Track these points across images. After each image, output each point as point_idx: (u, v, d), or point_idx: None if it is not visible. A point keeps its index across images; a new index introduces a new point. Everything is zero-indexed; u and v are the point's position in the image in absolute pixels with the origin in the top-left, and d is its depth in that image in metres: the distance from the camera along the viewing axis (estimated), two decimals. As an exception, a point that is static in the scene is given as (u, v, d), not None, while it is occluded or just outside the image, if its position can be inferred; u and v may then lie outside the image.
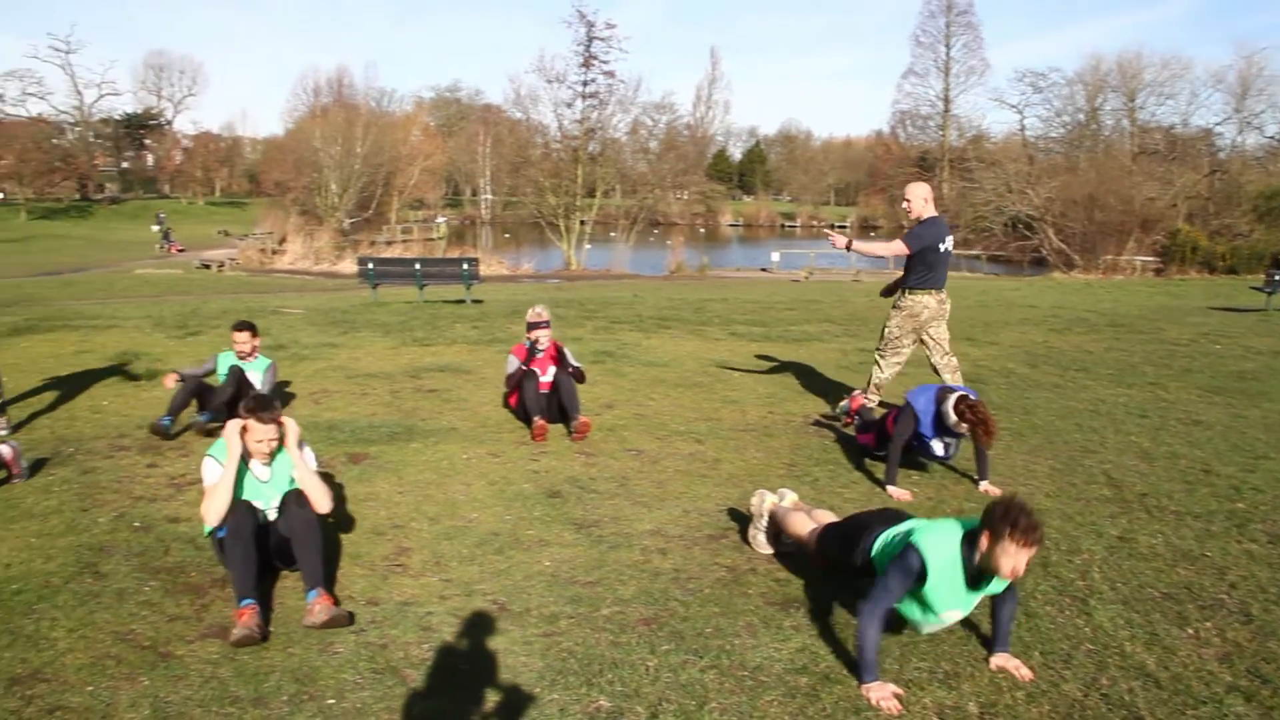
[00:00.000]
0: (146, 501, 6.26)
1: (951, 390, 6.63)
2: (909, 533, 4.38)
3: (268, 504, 5.17)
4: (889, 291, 8.99)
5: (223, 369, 8.25)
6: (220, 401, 7.87)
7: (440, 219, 73.61)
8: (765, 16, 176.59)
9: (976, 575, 4.15)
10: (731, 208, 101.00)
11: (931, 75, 73.75)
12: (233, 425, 5.16)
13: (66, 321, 14.63)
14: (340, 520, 5.95)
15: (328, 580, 5.01)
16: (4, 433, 7.72)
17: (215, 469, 5.08)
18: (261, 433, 5.08)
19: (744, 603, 4.91)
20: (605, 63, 50.51)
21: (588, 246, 49.98)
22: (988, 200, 52.58)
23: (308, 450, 5.38)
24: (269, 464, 5.21)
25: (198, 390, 8.03)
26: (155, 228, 55.32)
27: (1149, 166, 52.32)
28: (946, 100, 73.21)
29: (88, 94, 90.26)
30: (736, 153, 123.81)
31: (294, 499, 5.10)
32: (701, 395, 9.68)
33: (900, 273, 8.70)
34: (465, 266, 21.26)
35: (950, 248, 8.48)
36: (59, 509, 6.09)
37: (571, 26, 50.48)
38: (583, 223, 50.35)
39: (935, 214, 8.44)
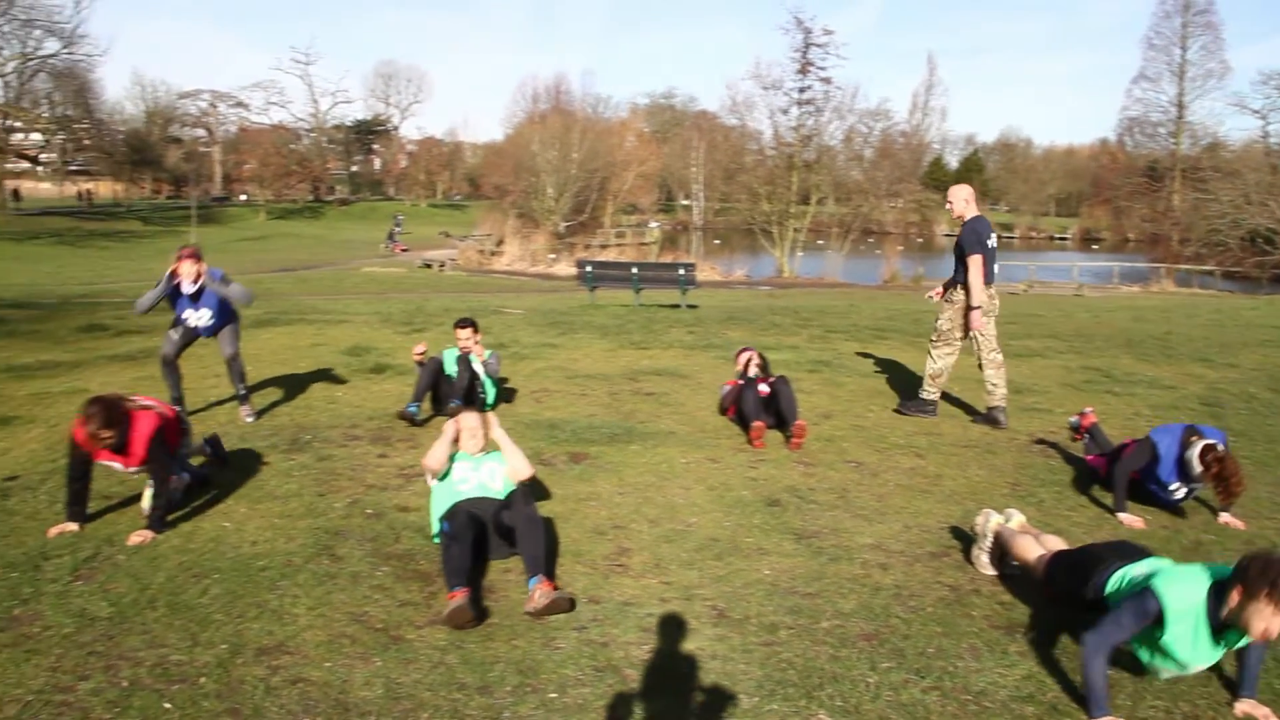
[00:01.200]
0: (378, 490, 6.53)
1: (1199, 434, 6.26)
2: (1150, 575, 4.11)
3: (482, 488, 5.66)
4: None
5: (449, 365, 8.56)
6: (460, 389, 8.30)
7: (653, 224, 74.35)
8: (984, 20, 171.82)
9: (1221, 628, 3.87)
10: (946, 217, 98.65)
11: (1164, 80, 70.30)
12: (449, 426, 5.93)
13: (303, 316, 15.39)
14: (562, 517, 6.07)
15: (549, 569, 5.11)
16: (250, 420, 8.18)
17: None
18: (470, 421, 5.95)
19: (967, 624, 4.77)
20: (822, 69, 50.10)
21: (800, 254, 49.65)
22: (1223, 213, 49.54)
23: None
24: (478, 455, 5.88)
25: (436, 380, 8.39)
26: (396, 228, 58.16)
27: None
28: (1180, 106, 69.60)
29: (323, 102, 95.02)
30: (953, 161, 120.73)
31: (520, 496, 5.32)
32: (920, 408, 9.46)
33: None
34: (681, 272, 21.40)
35: (995, 244, 8.74)
36: (299, 493, 6.41)
37: (789, 33, 50.04)
38: (796, 230, 50.00)
39: (978, 213, 8.81)
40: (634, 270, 21.98)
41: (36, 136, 70.79)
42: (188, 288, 8.00)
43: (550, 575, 5.07)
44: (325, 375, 10.27)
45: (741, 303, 23.32)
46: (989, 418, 8.84)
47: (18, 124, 65.10)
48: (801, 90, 50.78)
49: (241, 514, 5.99)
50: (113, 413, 5.56)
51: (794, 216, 50.08)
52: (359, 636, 4.47)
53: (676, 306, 19.77)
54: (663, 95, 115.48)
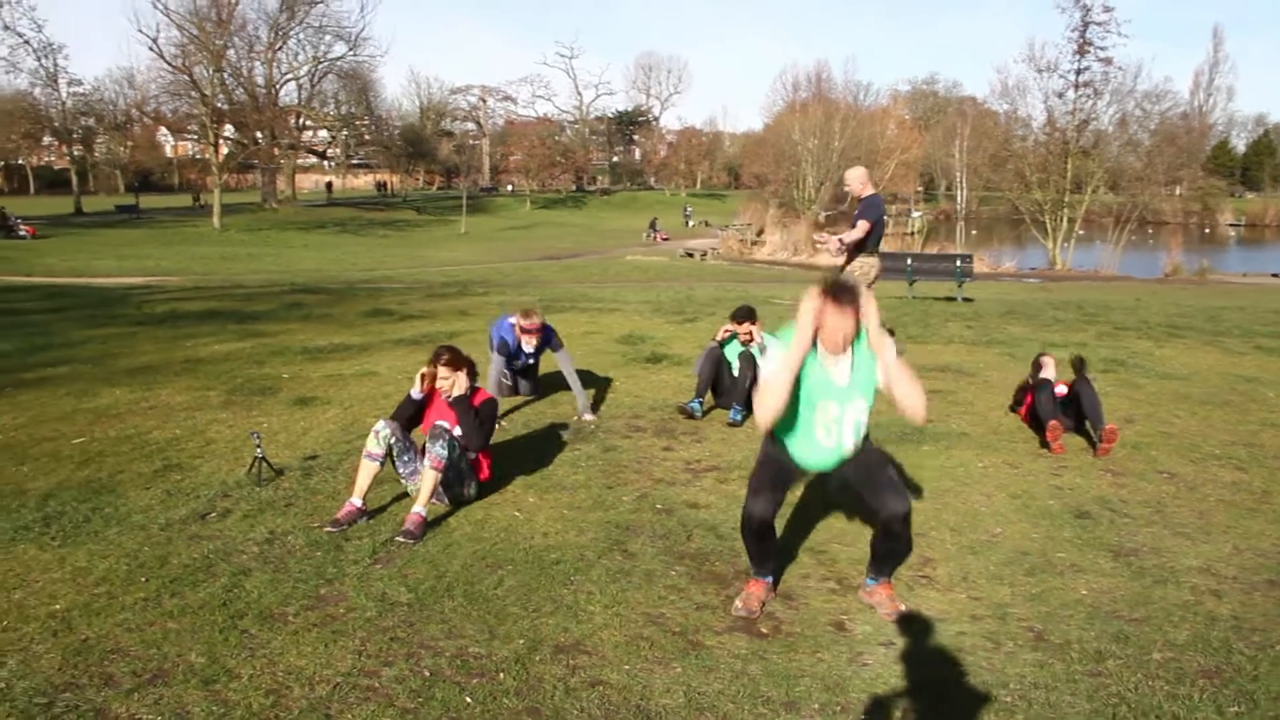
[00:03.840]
0: (666, 484, 6.40)
1: None
2: None
3: (842, 416, 4.39)
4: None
5: (730, 356, 8.34)
6: (742, 391, 7.96)
7: (915, 213, 72.68)
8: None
9: None
10: (1232, 205, 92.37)
11: None
12: (806, 305, 4.25)
13: (574, 303, 15.59)
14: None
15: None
16: (590, 418, 8.13)
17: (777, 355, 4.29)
18: (837, 320, 4.20)
19: (1327, 668, 4.19)
20: (1102, 49, 47.53)
21: (1069, 245, 47.37)
22: None
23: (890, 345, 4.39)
24: (847, 357, 4.36)
25: (717, 371, 8.18)
26: (688, 219, 59.59)
27: None
28: None
29: (586, 94, 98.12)
30: (1240, 144, 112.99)
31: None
32: (1234, 415, 8.65)
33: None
34: (958, 264, 20.68)
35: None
36: (586, 484, 6.35)
37: (1065, 12, 47.75)
38: (1070, 220, 47.70)
39: (874, 191, 10.04)
40: (908, 261, 21.34)
41: (323, 134, 75.47)
42: (528, 348, 8.55)
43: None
44: (602, 364, 10.25)
45: (1017, 296, 22.36)
46: None
47: (308, 123, 69.86)
48: (1079, 72, 48.34)
49: (531, 504, 5.97)
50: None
51: (1068, 206, 47.79)
52: (657, 639, 4.31)
53: (951, 299, 19.08)
54: (924, 81, 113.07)
